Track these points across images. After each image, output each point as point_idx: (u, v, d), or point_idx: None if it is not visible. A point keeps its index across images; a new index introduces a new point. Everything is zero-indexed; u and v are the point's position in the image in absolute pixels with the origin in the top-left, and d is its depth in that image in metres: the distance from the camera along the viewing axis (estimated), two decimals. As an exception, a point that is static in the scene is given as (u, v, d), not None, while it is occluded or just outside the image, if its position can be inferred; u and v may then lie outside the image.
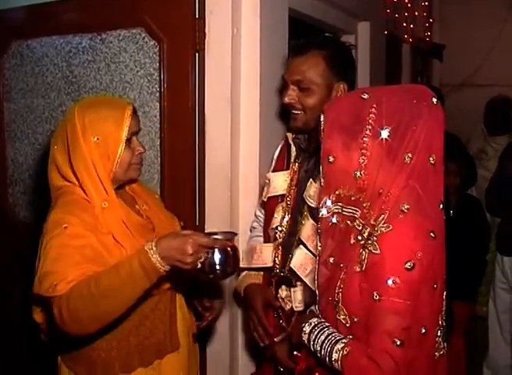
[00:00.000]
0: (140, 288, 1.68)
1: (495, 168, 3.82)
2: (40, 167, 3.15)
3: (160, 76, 2.67)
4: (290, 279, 2.18)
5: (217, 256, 1.78)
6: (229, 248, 1.82)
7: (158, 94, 2.69)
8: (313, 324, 1.71)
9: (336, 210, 1.67)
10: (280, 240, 2.21)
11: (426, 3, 5.92)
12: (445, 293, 1.64)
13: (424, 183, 1.59)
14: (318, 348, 1.65)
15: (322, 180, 1.70)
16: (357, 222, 1.62)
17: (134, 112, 1.91)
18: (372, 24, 4.07)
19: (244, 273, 2.33)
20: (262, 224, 2.38)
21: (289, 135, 2.29)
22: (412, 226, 1.55)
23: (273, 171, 2.32)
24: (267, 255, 2.24)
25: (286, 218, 2.20)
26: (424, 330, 1.55)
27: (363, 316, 1.57)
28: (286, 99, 2.14)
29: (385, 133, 1.57)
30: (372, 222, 1.58)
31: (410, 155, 1.56)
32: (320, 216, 1.71)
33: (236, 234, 1.99)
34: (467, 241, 2.96)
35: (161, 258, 1.64)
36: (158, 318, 1.98)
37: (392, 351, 1.50)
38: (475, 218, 3.31)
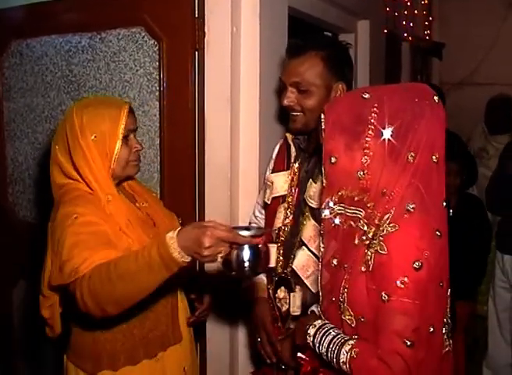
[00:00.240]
0: (160, 277, 1.64)
1: (495, 167, 3.82)
2: (39, 166, 3.15)
3: (159, 75, 2.66)
4: (290, 281, 2.18)
5: (242, 253, 1.66)
6: (258, 246, 1.69)
7: (157, 94, 2.69)
8: (317, 326, 1.70)
9: (339, 211, 1.66)
10: (282, 240, 2.22)
11: (426, 1, 5.91)
12: (449, 290, 1.64)
13: (428, 181, 1.58)
14: (324, 351, 1.64)
15: (324, 181, 1.69)
16: (361, 222, 1.62)
17: (131, 110, 1.95)
18: (372, 23, 4.07)
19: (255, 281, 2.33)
20: (262, 225, 2.37)
21: (289, 135, 2.29)
22: (418, 225, 1.55)
23: (273, 172, 2.31)
24: (272, 255, 2.23)
25: (288, 218, 2.21)
26: (432, 329, 1.55)
27: (370, 316, 1.57)
28: (285, 101, 2.13)
29: (387, 133, 1.56)
30: (377, 222, 1.58)
31: (413, 154, 1.56)
32: (323, 217, 1.71)
33: (271, 230, 1.94)
34: (468, 239, 2.96)
35: (180, 248, 1.58)
36: (161, 311, 2.02)
37: (402, 351, 1.49)
38: (476, 216, 3.31)
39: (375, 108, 1.58)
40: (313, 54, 2.08)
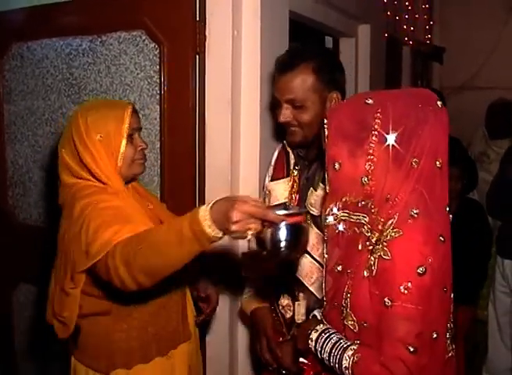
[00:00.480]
0: (191, 251, 1.59)
1: (496, 171, 3.82)
2: (40, 169, 3.15)
3: (160, 78, 2.66)
4: (293, 290, 2.18)
5: (277, 232, 1.54)
6: (294, 225, 1.57)
7: (158, 97, 2.69)
8: (319, 331, 1.70)
9: (343, 217, 1.66)
10: None
11: (426, 6, 5.92)
12: (452, 295, 1.64)
13: (432, 187, 1.58)
14: (326, 356, 1.63)
15: (328, 188, 1.69)
16: (365, 228, 1.61)
17: (134, 110, 1.99)
18: (372, 27, 4.07)
19: (251, 293, 2.34)
20: None
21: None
22: (422, 230, 1.54)
23: (272, 179, 2.30)
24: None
25: None
26: (435, 335, 1.54)
27: (373, 321, 1.56)
28: (282, 119, 2.10)
29: (391, 139, 1.56)
30: (380, 227, 1.57)
31: (416, 159, 1.55)
32: (326, 223, 1.70)
33: (306, 211, 1.85)
34: (468, 244, 2.95)
35: (212, 222, 1.52)
36: (172, 308, 2.05)
37: (405, 357, 1.49)
38: (477, 221, 3.30)
39: (378, 114, 1.57)
40: (303, 68, 2.05)
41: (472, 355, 3.86)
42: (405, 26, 5.18)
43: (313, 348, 1.70)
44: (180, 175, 2.67)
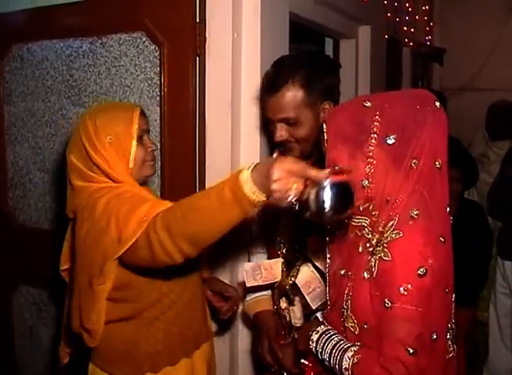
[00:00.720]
0: (234, 216, 1.54)
1: (496, 172, 3.81)
2: (40, 171, 3.15)
3: (160, 80, 2.66)
4: (289, 295, 2.19)
5: (321, 191, 1.43)
6: (339, 183, 1.46)
7: (158, 99, 2.68)
8: (320, 332, 1.70)
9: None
10: (285, 253, 2.22)
11: (427, 7, 5.92)
12: (453, 295, 1.64)
13: (432, 187, 1.58)
14: (327, 357, 1.64)
15: None
16: (366, 230, 1.62)
17: (142, 112, 1.98)
18: (373, 28, 4.07)
19: (254, 297, 2.34)
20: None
21: None
22: (422, 231, 1.55)
23: None
24: (277, 270, 2.23)
25: (290, 232, 2.20)
26: (435, 336, 1.55)
27: (373, 323, 1.57)
28: (278, 139, 2.07)
29: (390, 141, 1.56)
30: (381, 229, 1.58)
31: (416, 160, 1.56)
32: (328, 227, 1.70)
33: (350, 170, 1.81)
34: (468, 246, 2.95)
35: (254, 184, 1.47)
36: (194, 308, 2.07)
37: (404, 359, 1.49)
38: (477, 222, 3.30)
39: (376, 117, 1.57)
40: (290, 85, 2.00)
41: (473, 357, 3.85)
42: (405, 28, 5.18)
43: (314, 349, 1.70)
44: (180, 177, 2.67)
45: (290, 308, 2.20)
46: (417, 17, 5.55)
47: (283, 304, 2.23)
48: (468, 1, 6.33)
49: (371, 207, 1.60)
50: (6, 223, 3.30)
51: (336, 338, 1.66)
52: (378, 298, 1.55)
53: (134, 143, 1.90)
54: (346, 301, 1.63)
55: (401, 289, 1.50)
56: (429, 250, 1.53)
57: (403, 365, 1.49)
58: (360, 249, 1.62)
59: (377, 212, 1.59)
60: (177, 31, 2.60)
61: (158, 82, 2.68)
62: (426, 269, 1.50)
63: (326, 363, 1.66)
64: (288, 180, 1.44)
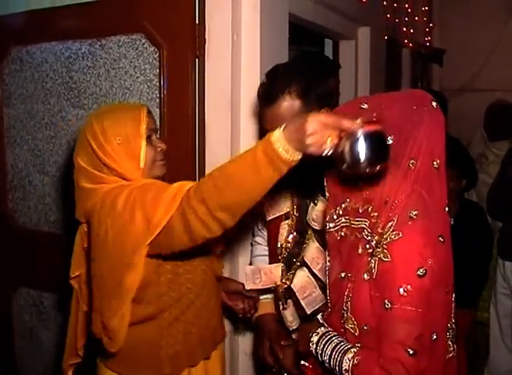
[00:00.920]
0: (268, 178, 1.53)
1: (495, 173, 3.81)
2: (39, 173, 3.14)
3: (160, 82, 2.66)
4: (281, 299, 2.21)
5: (355, 142, 1.41)
6: (373, 133, 1.43)
7: (157, 100, 2.68)
8: (320, 333, 1.70)
9: (344, 224, 1.66)
10: (284, 256, 2.23)
11: (426, 8, 5.92)
12: (453, 295, 1.64)
13: (430, 187, 1.58)
14: (327, 358, 1.64)
15: (327, 194, 1.69)
16: (365, 232, 1.61)
17: (149, 111, 1.96)
18: (372, 29, 4.07)
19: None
20: (266, 240, 2.38)
21: None
22: (421, 232, 1.54)
23: (271, 192, 2.27)
24: (276, 274, 2.24)
25: (291, 236, 2.21)
26: (435, 336, 1.54)
27: (373, 324, 1.56)
28: None
29: (388, 142, 1.56)
30: (380, 230, 1.57)
31: (413, 160, 1.55)
32: (327, 229, 1.70)
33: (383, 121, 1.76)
34: (468, 246, 2.94)
35: (287, 142, 1.46)
36: (212, 308, 2.06)
37: (404, 360, 1.49)
38: (477, 223, 3.29)
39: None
40: (287, 95, 1.95)
41: (473, 357, 3.85)
42: (405, 29, 5.19)
43: (314, 351, 1.70)
44: (180, 178, 2.63)
45: (282, 311, 2.22)
46: (416, 18, 5.55)
47: (281, 306, 2.24)
48: (468, 1, 6.33)
49: (370, 209, 1.60)
50: (6, 225, 3.30)
51: (336, 340, 1.66)
52: (377, 299, 1.55)
53: (144, 143, 1.87)
54: (346, 302, 1.63)
55: (401, 290, 1.49)
56: (429, 250, 1.52)
57: (402, 366, 1.49)
58: (360, 251, 1.62)
59: (376, 214, 1.59)
60: (176, 33, 2.60)
61: (158, 84, 2.68)
62: (426, 270, 1.49)
63: (326, 365, 1.65)
64: (323, 133, 1.42)
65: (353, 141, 1.40)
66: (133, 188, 1.79)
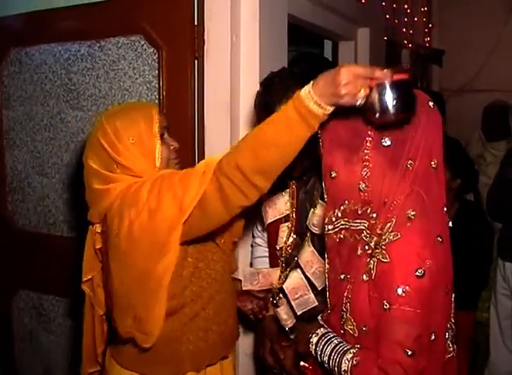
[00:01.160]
0: (301, 136, 1.55)
1: (493, 173, 3.80)
2: (39, 175, 3.14)
3: (159, 83, 2.66)
4: (274, 298, 2.22)
5: (385, 90, 1.45)
6: (402, 81, 1.47)
7: (157, 102, 2.68)
8: (320, 334, 1.70)
9: (343, 226, 1.65)
10: (284, 258, 2.24)
11: (425, 8, 5.93)
12: (453, 295, 1.64)
13: (428, 187, 1.58)
14: (326, 359, 1.64)
15: (326, 196, 1.69)
16: (364, 233, 1.61)
17: (160, 110, 1.96)
18: (372, 30, 4.07)
19: None
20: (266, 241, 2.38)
21: None
22: (420, 233, 1.54)
23: (271, 195, 2.26)
24: (274, 277, 2.26)
25: (291, 238, 2.22)
26: (433, 337, 1.54)
27: (372, 325, 1.56)
28: None
29: (386, 143, 1.56)
30: (379, 231, 1.57)
31: (411, 161, 1.56)
32: (326, 232, 1.70)
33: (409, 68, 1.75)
34: (467, 247, 2.94)
35: (318, 97, 1.48)
36: (230, 306, 2.06)
37: (403, 361, 1.48)
38: (476, 224, 3.28)
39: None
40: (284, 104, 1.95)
41: (473, 358, 3.84)
42: (404, 29, 5.19)
43: (313, 352, 1.70)
44: (179, 180, 2.66)
45: (275, 309, 2.23)
46: (416, 19, 5.56)
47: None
48: (467, 2, 6.33)
49: (369, 210, 1.60)
50: (5, 227, 3.30)
51: (335, 341, 1.66)
52: (376, 300, 1.55)
53: (158, 142, 1.86)
54: (346, 303, 1.63)
55: (399, 290, 1.49)
56: (427, 251, 1.52)
57: (401, 367, 1.48)
58: (359, 252, 1.61)
59: (375, 215, 1.59)
60: (175, 34, 2.60)
61: (157, 85, 2.68)
62: (424, 271, 1.49)
63: (326, 365, 1.65)
64: (356, 83, 1.45)
65: (383, 89, 1.45)
66: (155, 179, 1.79)
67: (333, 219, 1.67)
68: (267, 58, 2.61)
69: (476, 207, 3.42)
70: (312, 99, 1.49)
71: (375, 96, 1.45)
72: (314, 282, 2.16)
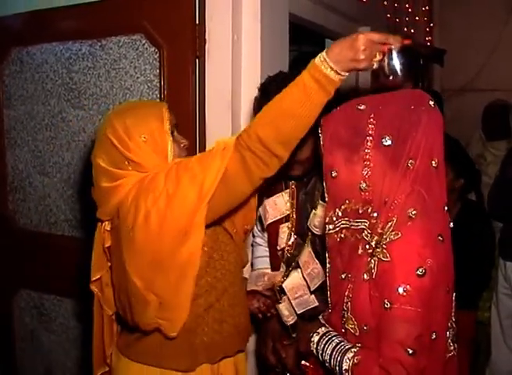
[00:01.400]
0: (319, 103, 1.62)
1: (494, 173, 3.80)
2: (40, 174, 3.14)
3: (160, 82, 2.66)
4: (275, 295, 2.23)
5: (395, 56, 1.63)
6: (410, 47, 1.66)
7: (158, 101, 2.68)
8: (321, 333, 1.71)
9: (344, 225, 1.66)
10: (286, 258, 2.25)
11: (426, 8, 5.91)
12: (454, 294, 1.64)
13: (429, 186, 1.58)
14: (327, 358, 1.64)
15: (326, 196, 1.69)
16: (365, 232, 1.62)
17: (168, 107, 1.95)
18: (373, 29, 4.03)
19: None
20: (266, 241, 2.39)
21: None
22: (421, 232, 1.55)
23: (271, 195, 2.28)
24: (278, 279, 2.27)
25: (292, 239, 2.23)
26: (434, 336, 1.54)
27: (373, 324, 1.57)
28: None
29: (386, 142, 1.57)
30: (379, 230, 1.57)
31: (412, 160, 1.56)
32: (327, 231, 1.70)
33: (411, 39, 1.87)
34: (468, 246, 2.94)
35: (334, 63, 1.57)
36: (243, 299, 2.06)
37: (404, 360, 1.49)
38: (477, 222, 3.28)
39: (371, 119, 1.58)
40: None
41: (474, 357, 3.83)
42: (405, 29, 5.17)
43: (314, 351, 1.71)
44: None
45: (277, 305, 2.23)
46: (417, 18, 5.54)
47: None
48: (468, 1, 6.31)
49: (369, 209, 1.60)
50: (6, 227, 3.30)
51: (336, 340, 1.66)
52: (377, 299, 1.55)
53: (170, 138, 1.86)
54: (347, 303, 1.64)
55: (400, 290, 1.50)
56: (428, 250, 1.53)
57: (402, 365, 1.49)
58: (360, 251, 1.62)
59: (376, 214, 1.59)
60: (177, 33, 2.60)
61: (158, 84, 2.68)
62: (425, 270, 1.50)
63: (327, 364, 1.66)
64: (372, 48, 1.58)
65: (396, 53, 1.62)
66: (169, 168, 1.79)
67: (334, 218, 1.67)
68: (268, 57, 2.61)
69: (478, 207, 3.41)
70: (329, 66, 1.57)
71: (391, 60, 1.62)
72: (309, 282, 2.18)
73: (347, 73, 1.59)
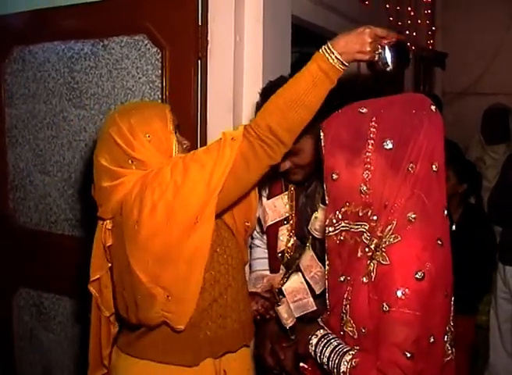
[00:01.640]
0: (324, 92, 1.73)
1: (493, 177, 3.81)
2: (40, 173, 3.14)
3: (162, 83, 2.66)
4: (274, 297, 2.22)
5: (391, 49, 1.76)
6: (403, 40, 1.85)
7: (160, 101, 2.68)
8: (319, 335, 1.71)
9: (344, 228, 1.66)
10: (285, 261, 2.25)
11: (429, 11, 5.92)
12: (452, 299, 1.64)
13: (429, 190, 1.58)
14: (325, 360, 1.64)
15: (327, 198, 1.69)
16: (365, 235, 1.62)
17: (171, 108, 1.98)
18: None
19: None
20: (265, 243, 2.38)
21: None
22: (420, 235, 1.55)
23: (271, 197, 2.28)
24: (277, 281, 2.27)
25: (292, 241, 2.22)
26: (432, 340, 1.54)
27: (372, 327, 1.57)
28: (282, 170, 2.07)
29: (387, 146, 1.57)
30: (379, 233, 1.58)
31: (412, 164, 1.56)
32: (327, 234, 1.70)
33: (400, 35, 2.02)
34: (469, 251, 2.94)
35: (340, 54, 1.70)
36: (245, 295, 2.06)
37: (401, 363, 1.49)
38: (478, 226, 3.28)
39: (373, 123, 1.58)
40: None
41: (473, 361, 3.83)
42: (407, 32, 5.18)
43: (313, 353, 1.71)
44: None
45: (276, 308, 2.23)
46: (419, 21, 5.55)
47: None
48: (470, 5, 6.32)
49: (369, 212, 1.61)
50: (7, 225, 3.30)
51: (334, 342, 1.66)
52: (376, 302, 1.55)
53: (174, 139, 1.88)
54: (345, 305, 1.64)
55: (399, 293, 1.50)
56: (427, 254, 1.53)
57: (400, 369, 1.49)
58: (359, 254, 1.62)
59: (376, 217, 1.59)
60: (179, 34, 2.60)
61: (160, 85, 2.68)
62: (424, 273, 1.50)
63: (325, 367, 1.66)
64: (376, 41, 1.72)
65: (395, 46, 1.76)
66: (175, 161, 1.81)
67: (334, 221, 1.67)
68: (270, 58, 2.61)
69: (478, 210, 3.42)
70: (335, 57, 1.69)
71: (388, 51, 1.74)
72: (313, 286, 2.17)
73: (349, 64, 1.72)
